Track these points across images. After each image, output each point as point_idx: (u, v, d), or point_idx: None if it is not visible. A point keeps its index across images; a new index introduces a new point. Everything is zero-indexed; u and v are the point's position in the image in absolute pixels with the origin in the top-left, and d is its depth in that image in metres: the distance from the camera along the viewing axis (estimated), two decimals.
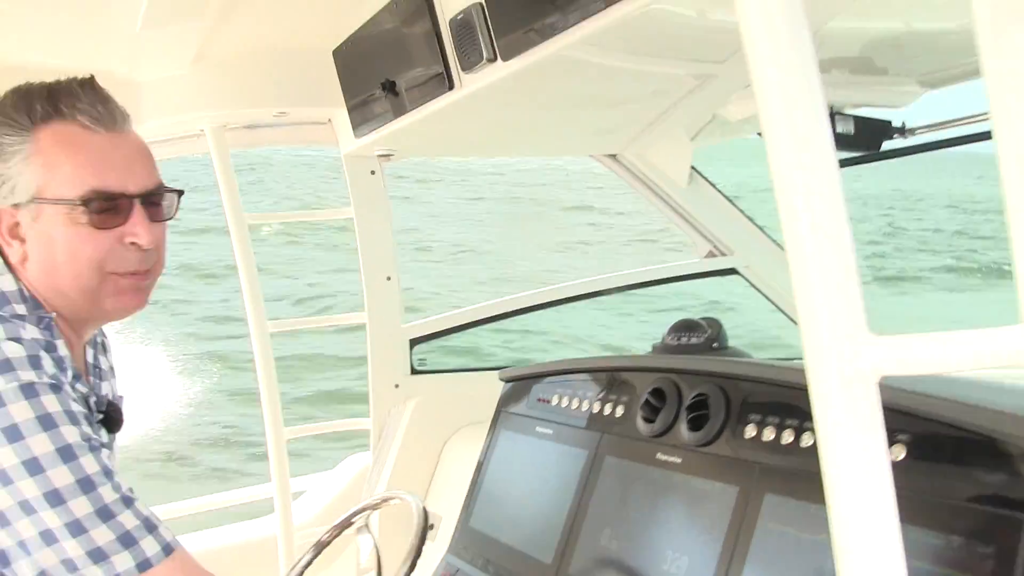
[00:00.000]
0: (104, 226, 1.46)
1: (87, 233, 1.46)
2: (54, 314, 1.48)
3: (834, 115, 2.65)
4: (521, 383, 2.48)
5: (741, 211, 3.91)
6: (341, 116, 2.98)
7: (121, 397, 1.79)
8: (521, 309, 3.51)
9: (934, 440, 1.40)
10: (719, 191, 3.88)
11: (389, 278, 3.26)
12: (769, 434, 1.65)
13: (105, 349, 1.75)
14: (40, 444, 1.33)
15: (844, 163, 2.93)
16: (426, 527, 2.02)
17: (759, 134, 3.33)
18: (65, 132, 1.45)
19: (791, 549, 1.53)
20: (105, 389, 1.71)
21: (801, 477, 1.56)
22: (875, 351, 0.84)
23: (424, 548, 1.99)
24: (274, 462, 3.24)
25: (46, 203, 1.44)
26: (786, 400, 1.66)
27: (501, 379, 2.57)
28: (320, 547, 2.22)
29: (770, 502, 1.60)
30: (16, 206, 1.46)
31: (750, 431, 1.70)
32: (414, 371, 3.37)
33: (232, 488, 3.69)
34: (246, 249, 3.07)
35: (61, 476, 1.33)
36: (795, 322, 3.99)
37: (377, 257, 3.25)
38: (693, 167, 3.78)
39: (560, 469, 2.15)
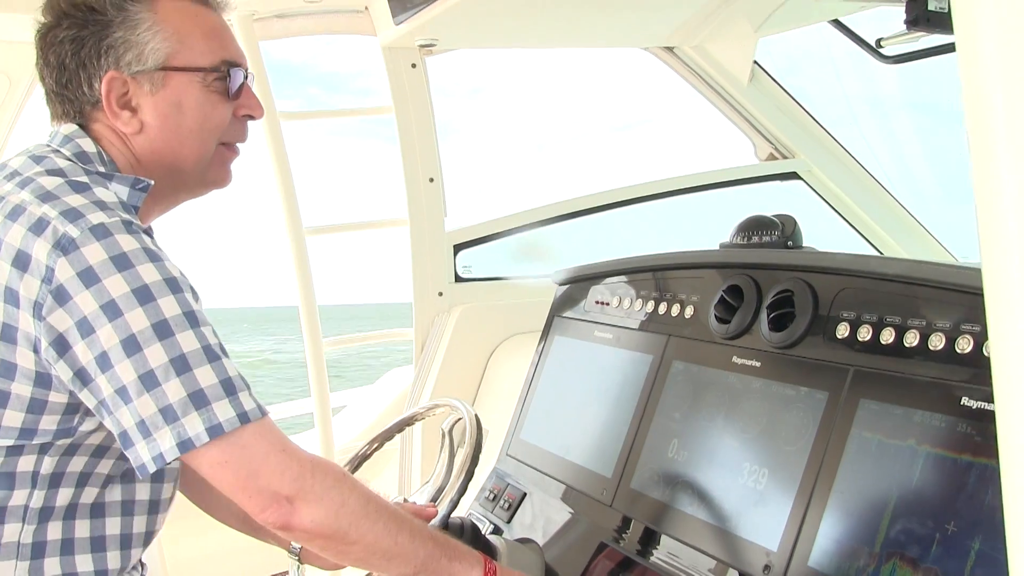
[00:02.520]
0: (231, 96, 1.52)
1: (216, 100, 1.51)
2: (152, 181, 1.48)
3: None
4: (577, 285, 2.29)
5: (807, 111, 3.68)
6: (379, 1, 2.77)
7: None
8: (571, 213, 3.32)
9: None
10: (783, 88, 3.64)
11: (432, 180, 3.08)
12: (865, 333, 1.46)
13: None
14: (149, 272, 1.31)
15: (941, 50, 2.67)
16: (480, 436, 1.86)
17: (834, 21, 3.10)
18: (184, 6, 1.50)
19: (889, 459, 1.35)
20: None
21: (903, 381, 1.37)
22: None
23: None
24: (313, 376, 3.11)
25: (177, 71, 1.47)
26: (887, 295, 1.46)
27: (555, 282, 2.38)
28: (359, 460, 2.08)
29: (866, 408, 1.41)
30: (136, 75, 1.46)
31: (842, 330, 1.50)
32: (458, 278, 3.21)
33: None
34: (280, 148, 2.90)
35: (170, 306, 1.31)
36: (860, 232, 3.79)
37: (418, 158, 3.07)
38: (756, 62, 3.54)
39: (622, 375, 1.98)
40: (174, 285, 1.32)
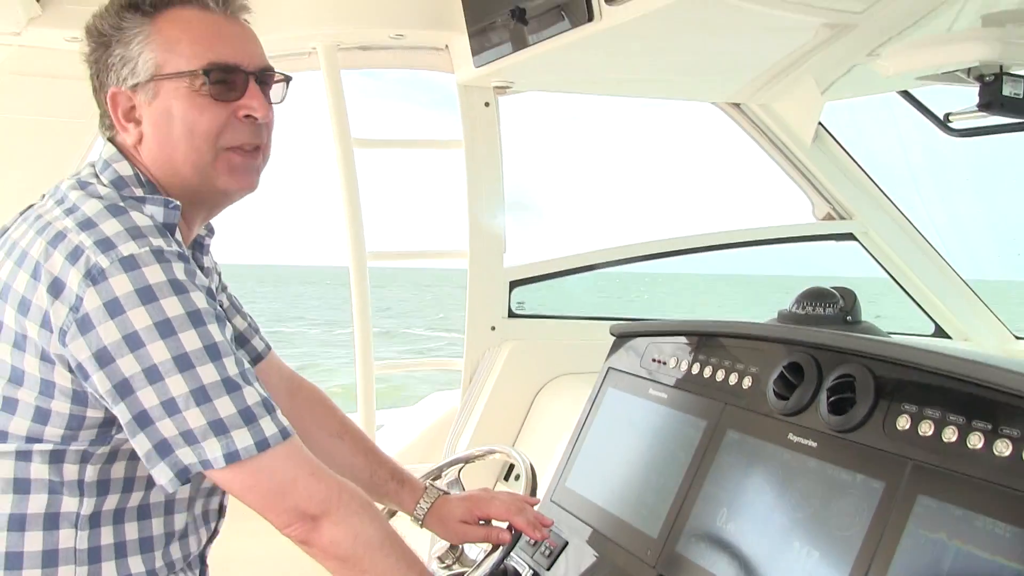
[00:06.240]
0: (221, 98, 1.50)
1: (205, 104, 1.49)
2: (179, 203, 1.50)
3: (1002, 75, 2.39)
4: (634, 340, 2.32)
5: (867, 174, 3.69)
6: (460, 42, 2.84)
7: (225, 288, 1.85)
8: (626, 259, 3.36)
9: None
10: (845, 150, 3.66)
11: (495, 216, 3.13)
12: (927, 428, 1.48)
13: (205, 250, 1.73)
14: (172, 306, 1.34)
15: (1012, 128, 2.67)
16: (535, 487, 1.90)
17: (902, 91, 3.11)
18: (183, 14, 1.51)
19: (945, 560, 1.36)
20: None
21: (964, 482, 1.38)
22: None
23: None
24: (361, 395, 3.16)
25: (165, 79, 1.48)
26: (951, 393, 1.47)
27: (612, 334, 2.41)
28: None
29: (923, 504, 1.43)
30: (135, 88, 1.49)
31: (903, 422, 1.52)
32: (512, 314, 3.26)
33: None
34: (351, 173, 2.96)
35: (191, 340, 1.34)
36: (915, 300, 3.79)
37: (484, 193, 3.12)
38: (820, 123, 3.57)
39: (674, 437, 2.00)
40: (197, 318, 1.36)
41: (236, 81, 1.51)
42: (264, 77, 1.56)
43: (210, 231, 1.73)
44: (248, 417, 1.37)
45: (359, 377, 3.14)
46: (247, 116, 1.53)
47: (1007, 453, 1.33)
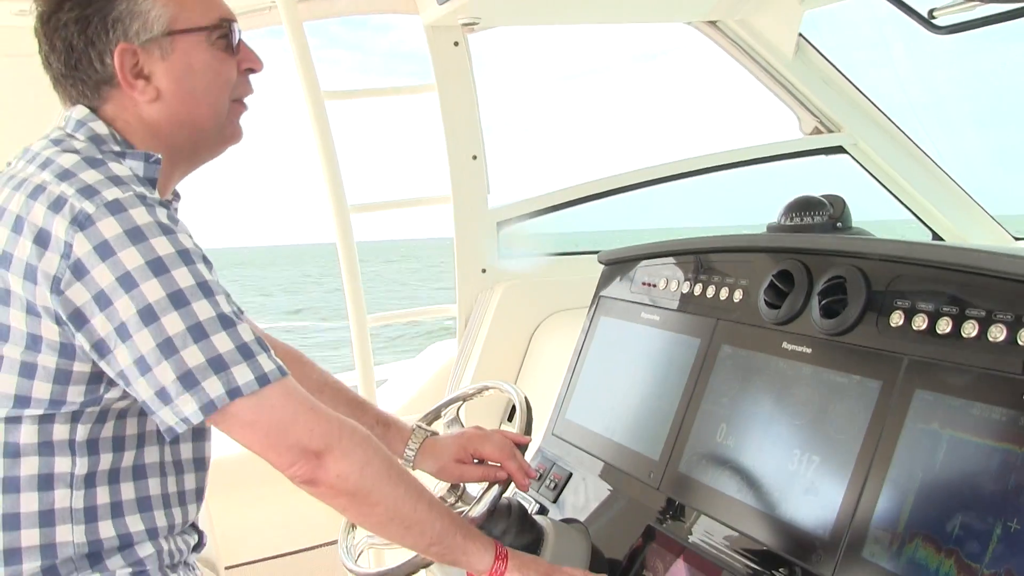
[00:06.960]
0: (233, 52, 1.56)
1: (223, 58, 1.55)
2: (160, 156, 1.50)
3: None
4: (622, 265, 2.28)
5: (853, 83, 3.62)
6: None
7: None
8: (614, 189, 3.30)
9: None
10: (829, 60, 3.59)
11: (475, 157, 3.08)
12: (920, 323, 1.44)
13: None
14: (162, 245, 1.35)
15: (997, 19, 2.58)
16: (530, 420, 1.87)
17: None
18: None
19: (945, 452, 1.33)
20: None
21: (961, 372, 1.35)
22: None
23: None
24: (357, 349, 3.13)
25: (182, 34, 1.50)
26: (943, 284, 1.43)
27: (601, 261, 2.37)
28: None
29: (921, 399, 1.40)
30: (146, 43, 1.48)
31: (896, 319, 1.48)
32: (502, 255, 3.21)
33: None
34: (324, 127, 2.90)
35: (184, 277, 1.35)
36: (909, 208, 3.74)
37: (462, 135, 3.06)
38: (801, 34, 3.49)
39: (669, 358, 1.97)
40: (187, 257, 1.36)
41: (237, 35, 1.57)
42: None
43: (176, 196, 1.71)
44: (246, 353, 1.37)
45: (353, 332, 3.10)
46: (248, 69, 1.60)
47: (1002, 338, 1.30)
